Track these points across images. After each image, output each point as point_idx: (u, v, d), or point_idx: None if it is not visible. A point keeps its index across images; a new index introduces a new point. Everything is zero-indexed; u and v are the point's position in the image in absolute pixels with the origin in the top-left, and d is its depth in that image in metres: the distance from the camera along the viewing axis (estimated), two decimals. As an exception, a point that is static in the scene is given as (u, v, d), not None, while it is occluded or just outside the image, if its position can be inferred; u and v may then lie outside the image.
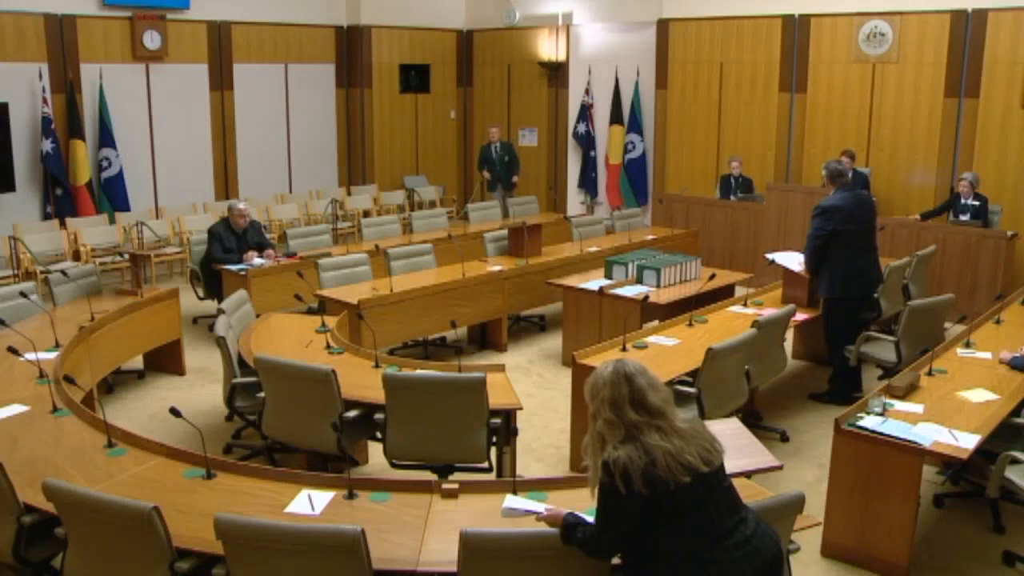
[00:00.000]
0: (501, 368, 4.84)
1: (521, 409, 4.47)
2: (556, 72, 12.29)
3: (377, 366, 4.92)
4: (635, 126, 11.64)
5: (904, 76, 9.44)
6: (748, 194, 9.90)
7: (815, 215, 6.04)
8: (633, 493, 2.51)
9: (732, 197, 9.91)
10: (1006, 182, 8.89)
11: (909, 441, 3.94)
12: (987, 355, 5.08)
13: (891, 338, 5.82)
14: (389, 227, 9.20)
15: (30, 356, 4.60)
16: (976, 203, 8.35)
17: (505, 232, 8.03)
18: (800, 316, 6.05)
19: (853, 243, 6.00)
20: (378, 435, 4.45)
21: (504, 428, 4.40)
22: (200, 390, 6.51)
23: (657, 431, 2.58)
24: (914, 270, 7.13)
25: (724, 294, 6.85)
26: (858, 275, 6.05)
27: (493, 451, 4.42)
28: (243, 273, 7.25)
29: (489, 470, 4.42)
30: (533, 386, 6.64)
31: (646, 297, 6.36)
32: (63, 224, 9.37)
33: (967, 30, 9.01)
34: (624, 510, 2.57)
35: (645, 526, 2.58)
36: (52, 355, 4.93)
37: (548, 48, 12.29)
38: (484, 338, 7.58)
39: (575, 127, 12.17)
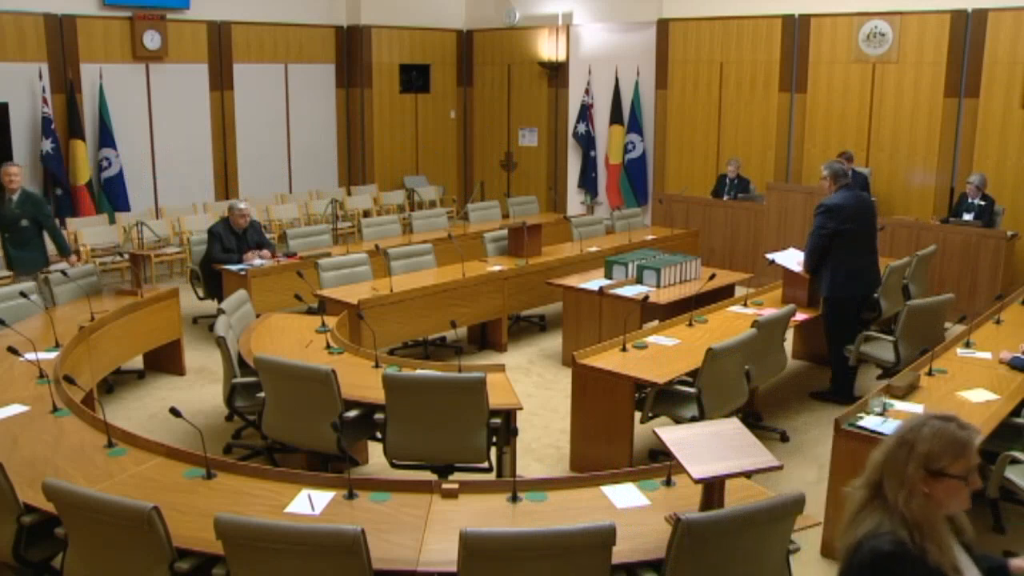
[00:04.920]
0: (501, 368, 4.85)
1: (521, 409, 4.47)
2: (556, 72, 12.29)
3: (377, 366, 4.92)
4: (635, 126, 11.63)
5: (904, 76, 9.44)
6: (744, 194, 9.90)
7: (818, 213, 6.03)
8: None
9: (725, 197, 9.93)
10: (1006, 182, 8.88)
11: (909, 441, 3.93)
12: (987, 355, 5.07)
13: (890, 338, 5.83)
14: (389, 227, 9.19)
15: (30, 356, 4.60)
16: (982, 203, 8.35)
17: (505, 232, 8.02)
18: (800, 316, 6.05)
19: (854, 243, 5.99)
20: (378, 435, 4.45)
21: (504, 428, 4.41)
22: (200, 390, 6.51)
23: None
24: (914, 270, 7.13)
25: (724, 294, 6.85)
26: (858, 275, 6.05)
27: (493, 451, 4.42)
28: (243, 273, 7.25)
29: (489, 470, 4.43)
30: (533, 386, 6.64)
31: (646, 297, 6.36)
32: (63, 224, 9.34)
33: (967, 30, 9.00)
34: None
35: None
36: (52, 355, 4.92)
37: (548, 48, 12.29)
38: (484, 338, 7.57)
39: (575, 127, 12.17)
